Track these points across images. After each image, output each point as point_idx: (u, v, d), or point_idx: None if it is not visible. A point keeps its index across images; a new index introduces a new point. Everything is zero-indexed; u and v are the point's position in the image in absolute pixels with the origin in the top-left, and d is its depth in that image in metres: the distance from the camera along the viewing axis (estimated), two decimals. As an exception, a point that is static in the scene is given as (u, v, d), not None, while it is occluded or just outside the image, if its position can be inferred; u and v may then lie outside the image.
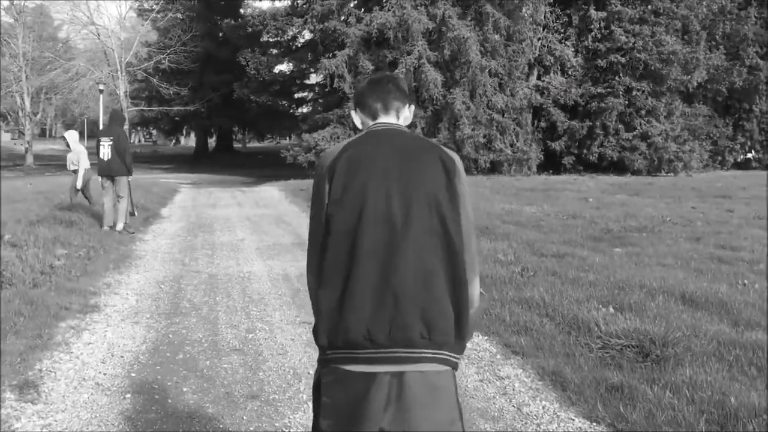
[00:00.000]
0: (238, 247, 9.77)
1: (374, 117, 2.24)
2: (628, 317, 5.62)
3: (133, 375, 4.56)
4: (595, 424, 3.82)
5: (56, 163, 39.43)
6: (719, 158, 37.18)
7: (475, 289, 2.15)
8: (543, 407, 4.08)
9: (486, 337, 5.43)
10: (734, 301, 6.26)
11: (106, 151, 10.42)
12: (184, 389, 4.30)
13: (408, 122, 2.29)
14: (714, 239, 10.27)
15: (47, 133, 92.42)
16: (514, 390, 4.36)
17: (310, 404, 4.05)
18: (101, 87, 31.72)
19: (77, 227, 10.31)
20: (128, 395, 4.21)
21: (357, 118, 2.29)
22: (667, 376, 4.30)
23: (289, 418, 3.92)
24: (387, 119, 2.22)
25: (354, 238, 1.98)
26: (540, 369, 4.66)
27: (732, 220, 13.11)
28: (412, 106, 2.29)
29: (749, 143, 38.97)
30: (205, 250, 9.54)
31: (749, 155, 40.72)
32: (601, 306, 5.96)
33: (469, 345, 5.25)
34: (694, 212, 14.64)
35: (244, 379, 4.48)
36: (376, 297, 1.94)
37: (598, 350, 4.91)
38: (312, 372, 4.56)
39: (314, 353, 4.94)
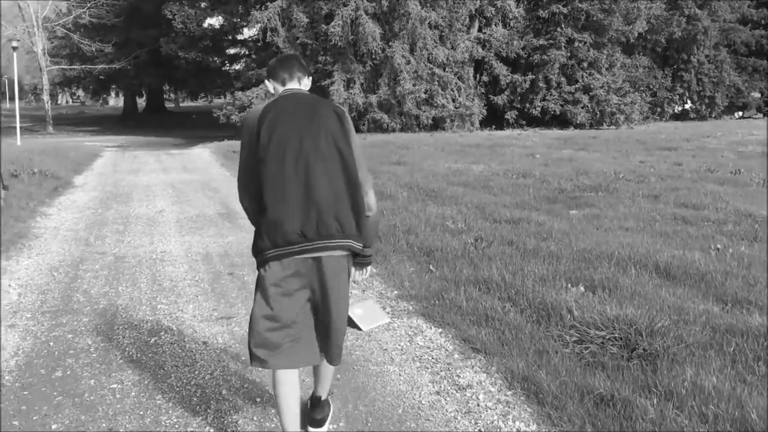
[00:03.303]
0: (155, 221, 8.65)
1: (283, 84, 2.93)
2: (603, 298, 4.85)
3: (-8, 405, 3.51)
4: (585, 455, 2.99)
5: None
6: (658, 110, 37.28)
7: (371, 198, 2.88)
8: (518, 431, 3.23)
9: (440, 330, 4.56)
10: (713, 271, 5.57)
11: None
12: (54, 426, 3.29)
13: (308, 88, 2.98)
14: (673, 197, 9.66)
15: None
16: (479, 405, 3.50)
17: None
18: (14, 44, 29.15)
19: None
20: (-22, 438, 3.18)
21: (270, 86, 2.98)
22: (663, 380, 3.51)
23: (189, 466, 2.97)
24: (292, 85, 2.93)
25: (282, 171, 2.66)
26: (508, 373, 3.81)
27: (684, 174, 12.61)
28: (310, 78, 3.01)
29: (687, 94, 39.15)
30: (116, 225, 8.38)
31: (687, 106, 41.01)
32: (569, 285, 5.16)
33: (421, 342, 4.39)
34: (644, 167, 14.10)
35: (135, 406, 3.48)
36: (304, 208, 2.66)
37: (575, 344, 4.10)
38: (224, 392, 3.62)
39: (230, 363, 3.97)
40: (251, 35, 36.23)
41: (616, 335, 4.10)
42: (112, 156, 20.09)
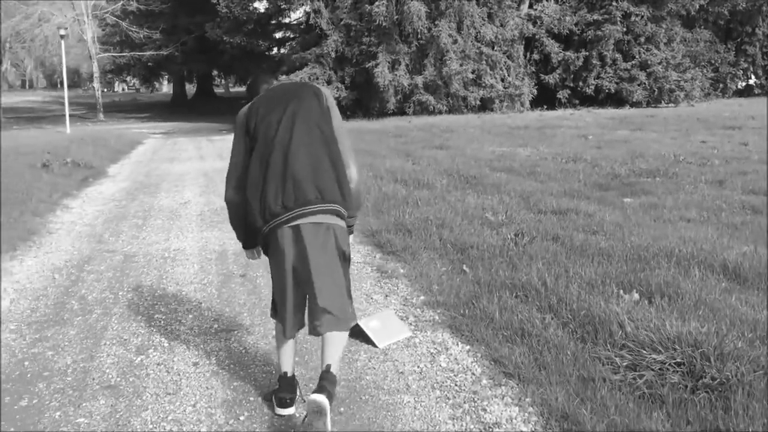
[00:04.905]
0: (177, 214, 8.20)
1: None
2: (661, 308, 4.13)
3: (-59, 442, 3.05)
4: None
5: (27, 116, 37.46)
6: (721, 86, 35.49)
7: (353, 170, 3.14)
8: (552, 492, 2.59)
9: (468, 347, 3.92)
10: (793, 273, 4.77)
11: None
12: (-1, 474, 2.80)
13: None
14: (741, 182, 8.75)
15: (26, 84, 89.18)
16: (506, 453, 2.87)
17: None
18: (62, 32, 29.24)
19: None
20: None
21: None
22: (740, 423, 2.82)
23: None
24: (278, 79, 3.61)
25: (264, 152, 3.00)
26: (545, 407, 3.17)
27: (751, 156, 11.58)
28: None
29: (751, 68, 37.19)
30: (136, 219, 7.95)
31: (751, 81, 39.00)
32: (621, 291, 4.46)
33: (444, 363, 3.74)
34: (706, 147, 13.08)
35: (99, 447, 2.97)
36: (282, 182, 2.94)
37: (627, 370, 3.42)
38: (204, 431, 3.08)
39: (218, 390, 3.40)
40: (296, 18, 35.78)
41: (678, 359, 3.41)
42: (154, 143, 19.90)
